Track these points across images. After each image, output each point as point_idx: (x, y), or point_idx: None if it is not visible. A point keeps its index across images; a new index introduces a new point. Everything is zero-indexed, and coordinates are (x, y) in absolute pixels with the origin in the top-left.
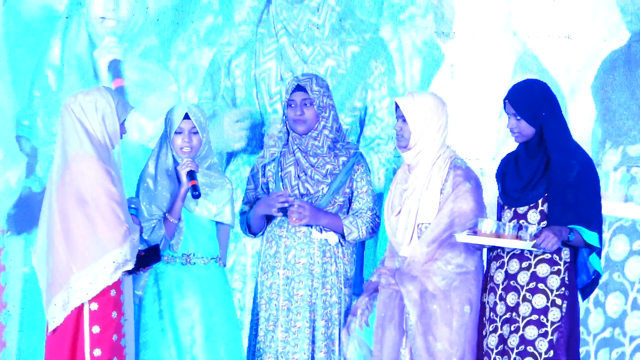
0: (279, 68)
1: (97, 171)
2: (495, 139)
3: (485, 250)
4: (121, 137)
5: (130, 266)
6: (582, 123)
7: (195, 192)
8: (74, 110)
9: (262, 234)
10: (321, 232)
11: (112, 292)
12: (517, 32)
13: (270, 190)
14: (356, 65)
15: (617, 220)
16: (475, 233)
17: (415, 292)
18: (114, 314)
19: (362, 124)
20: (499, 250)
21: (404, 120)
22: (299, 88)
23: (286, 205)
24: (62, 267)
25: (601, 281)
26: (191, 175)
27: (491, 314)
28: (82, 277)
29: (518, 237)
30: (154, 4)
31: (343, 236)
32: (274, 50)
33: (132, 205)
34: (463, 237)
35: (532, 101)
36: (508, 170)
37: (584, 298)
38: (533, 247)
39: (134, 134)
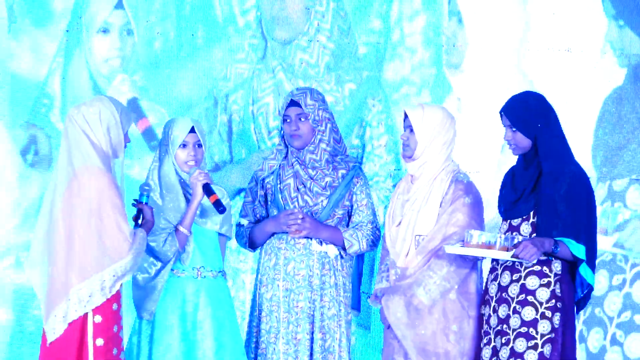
0: (276, 103)
1: (105, 184)
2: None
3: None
4: (125, 147)
5: (129, 277)
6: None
7: (221, 208)
8: (78, 122)
9: (261, 248)
10: (321, 244)
11: (114, 306)
12: (526, 73)
13: (269, 203)
14: (354, 103)
15: (600, 255)
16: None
17: (399, 308)
18: (115, 328)
19: (360, 162)
20: (494, 263)
21: (412, 131)
22: (293, 103)
23: (299, 222)
24: (63, 278)
25: (584, 317)
26: (208, 188)
27: (486, 326)
28: (82, 288)
29: (509, 249)
30: (151, 41)
31: (343, 249)
32: (271, 85)
33: (144, 193)
34: (452, 248)
35: (527, 112)
36: (507, 182)
37: (577, 311)
38: (512, 257)
39: (135, 170)
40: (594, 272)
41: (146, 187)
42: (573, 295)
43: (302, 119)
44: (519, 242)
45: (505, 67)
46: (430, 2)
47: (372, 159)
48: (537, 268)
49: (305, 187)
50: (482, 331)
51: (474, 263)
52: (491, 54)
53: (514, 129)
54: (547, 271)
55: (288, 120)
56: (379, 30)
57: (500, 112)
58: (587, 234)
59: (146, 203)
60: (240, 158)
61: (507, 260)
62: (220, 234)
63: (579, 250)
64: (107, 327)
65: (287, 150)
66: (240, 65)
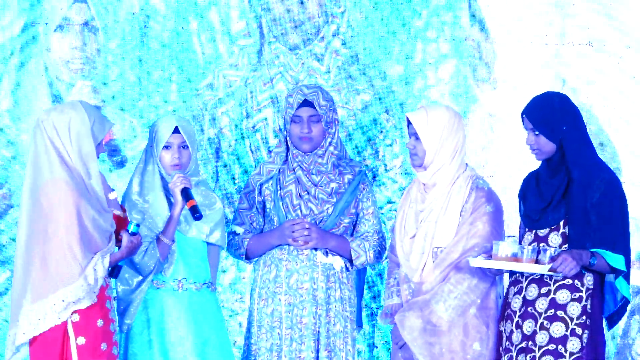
0: (275, 117)
1: (66, 200)
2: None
3: (507, 275)
4: (98, 156)
5: (84, 304)
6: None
7: (197, 214)
8: (47, 129)
9: (258, 258)
10: (327, 255)
11: (100, 323)
12: (566, 81)
13: (267, 210)
14: (367, 117)
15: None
16: (491, 257)
17: (416, 326)
18: (104, 346)
19: (371, 185)
20: (517, 275)
21: (417, 138)
22: (306, 103)
23: (305, 233)
24: (18, 300)
25: None
26: (186, 193)
27: (507, 343)
28: (32, 311)
29: (537, 261)
30: (123, 40)
31: (349, 260)
32: (269, 97)
33: (132, 221)
34: (477, 261)
35: (551, 114)
36: (529, 189)
37: (610, 327)
38: (550, 271)
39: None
40: (629, 284)
41: (137, 217)
42: (602, 311)
43: (315, 121)
44: (557, 255)
45: (543, 78)
46: (460, 44)
47: (384, 182)
48: (569, 281)
49: (309, 194)
50: (502, 348)
51: (494, 276)
52: (525, 65)
53: (537, 133)
54: (579, 285)
55: (298, 121)
56: (399, 78)
57: (521, 115)
58: (624, 244)
59: (134, 233)
60: (234, 185)
61: (534, 273)
62: (210, 244)
63: (617, 261)
64: (93, 347)
65: (287, 153)
66: (230, 72)
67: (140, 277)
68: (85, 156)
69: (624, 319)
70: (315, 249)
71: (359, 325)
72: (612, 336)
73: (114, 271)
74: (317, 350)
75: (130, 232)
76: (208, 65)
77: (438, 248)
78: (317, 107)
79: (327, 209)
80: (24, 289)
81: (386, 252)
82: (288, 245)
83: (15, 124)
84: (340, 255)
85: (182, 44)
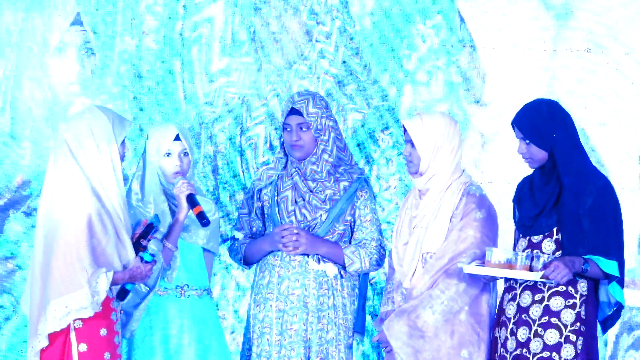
0: (267, 134)
1: (80, 210)
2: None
3: (502, 281)
4: (123, 159)
5: (86, 314)
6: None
7: (204, 220)
8: (67, 141)
9: (256, 264)
10: (319, 262)
11: (103, 332)
12: (560, 99)
13: (265, 216)
14: (359, 135)
15: None
16: (484, 264)
17: (402, 332)
18: (107, 355)
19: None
20: (511, 282)
21: (413, 145)
22: (294, 111)
23: (294, 239)
24: (37, 310)
25: None
26: (192, 199)
27: (502, 350)
28: (43, 318)
29: (531, 268)
30: (121, 63)
31: (344, 267)
32: (263, 113)
33: (151, 252)
34: (470, 268)
35: (541, 123)
36: (523, 195)
37: (603, 331)
38: (541, 278)
39: None
40: (622, 288)
41: (153, 248)
42: (596, 317)
43: (304, 129)
44: (549, 262)
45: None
46: (453, 88)
47: (378, 202)
48: (562, 288)
49: (304, 200)
50: (497, 355)
51: (486, 282)
52: (517, 83)
53: (527, 142)
54: (573, 292)
55: (288, 130)
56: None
57: (511, 124)
58: (617, 249)
59: (146, 262)
60: (225, 200)
61: (528, 280)
62: (205, 250)
63: (610, 266)
64: (95, 355)
65: (287, 159)
66: (230, 89)
67: (147, 289)
68: (112, 158)
69: (613, 337)
70: (307, 255)
71: (361, 332)
72: (601, 354)
73: (121, 294)
74: (308, 358)
75: (143, 259)
76: (189, 103)
77: (427, 253)
78: (304, 115)
79: (321, 215)
80: (42, 297)
81: (386, 259)
82: (280, 251)
83: (16, 144)
84: (334, 262)
85: (167, 84)
